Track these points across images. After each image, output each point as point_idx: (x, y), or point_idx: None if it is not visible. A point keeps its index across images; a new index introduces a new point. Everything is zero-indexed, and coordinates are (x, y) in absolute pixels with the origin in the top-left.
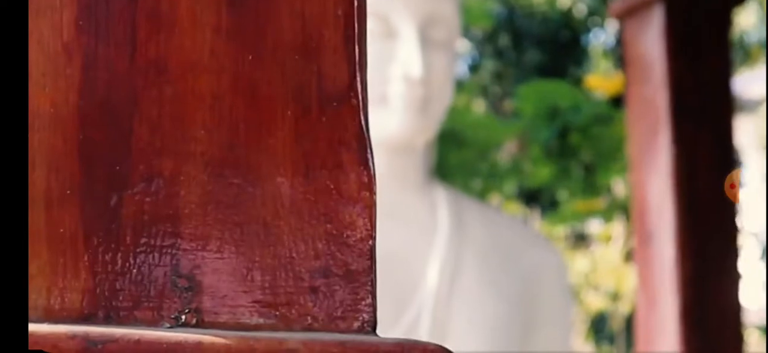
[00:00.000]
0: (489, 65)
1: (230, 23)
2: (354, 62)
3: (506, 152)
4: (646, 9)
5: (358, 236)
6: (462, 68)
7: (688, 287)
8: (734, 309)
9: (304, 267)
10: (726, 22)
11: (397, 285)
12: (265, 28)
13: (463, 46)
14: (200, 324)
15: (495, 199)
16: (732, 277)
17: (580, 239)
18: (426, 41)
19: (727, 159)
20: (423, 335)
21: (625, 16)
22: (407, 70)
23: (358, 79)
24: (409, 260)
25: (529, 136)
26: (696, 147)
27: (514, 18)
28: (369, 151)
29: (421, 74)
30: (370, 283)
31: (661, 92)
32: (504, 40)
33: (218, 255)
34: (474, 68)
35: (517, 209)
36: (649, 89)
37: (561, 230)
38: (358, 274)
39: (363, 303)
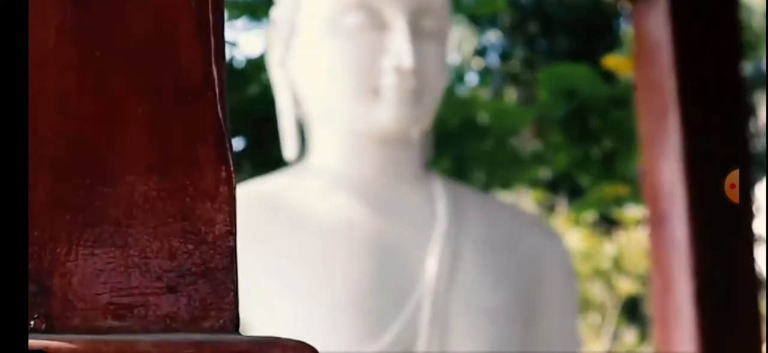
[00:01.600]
0: (519, 53)
1: (76, 20)
2: (209, 54)
3: (526, 139)
4: None
5: (217, 233)
6: (492, 57)
7: (702, 268)
8: (750, 290)
9: (160, 266)
10: (733, 4)
11: (396, 277)
12: (113, 24)
13: (494, 35)
14: (51, 329)
15: (520, 188)
16: (746, 257)
17: (610, 224)
18: (417, 32)
19: (737, 140)
20: (424, 326)
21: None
22: (399, 61)
23: (215, 71)
24: (408, 253)
25: (546, 120)
26: (705, 129)
27: (544, 4)
28: (228, 145)
29: (412, 65)
30: (231, 281)
31: (669, 75)
32: (533, 27)
33: (68, 258)
34: (504, 56)
35: (543, 196)
36: (657, 72)
37: (589, 216)
38: (218, 272)
39: (224, 301)
